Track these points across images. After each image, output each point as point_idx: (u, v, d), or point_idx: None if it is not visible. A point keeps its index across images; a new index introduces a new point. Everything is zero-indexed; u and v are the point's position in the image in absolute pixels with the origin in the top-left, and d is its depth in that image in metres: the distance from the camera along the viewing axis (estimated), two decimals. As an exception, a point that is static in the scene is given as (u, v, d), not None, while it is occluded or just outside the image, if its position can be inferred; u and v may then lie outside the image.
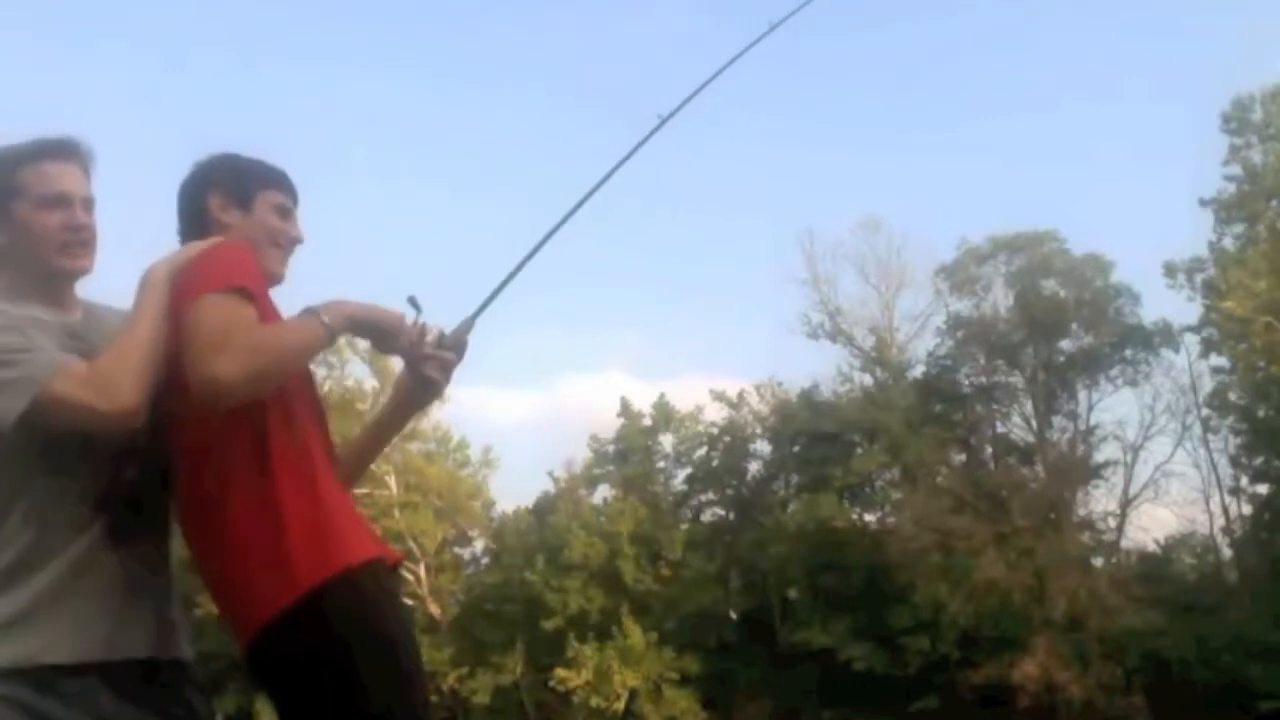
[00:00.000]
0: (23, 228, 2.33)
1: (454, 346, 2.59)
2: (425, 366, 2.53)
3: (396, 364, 2.71)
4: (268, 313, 2.27)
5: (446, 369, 2.56)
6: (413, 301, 2.48)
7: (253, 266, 2.27)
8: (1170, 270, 35.21)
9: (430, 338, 2.52)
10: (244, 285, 2.18)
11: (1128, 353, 36.65)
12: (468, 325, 2.66)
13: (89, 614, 2.22)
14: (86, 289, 2.51)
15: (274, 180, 2.51)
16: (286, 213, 2.50)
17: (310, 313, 2.25)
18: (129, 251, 2.58)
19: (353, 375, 43.15)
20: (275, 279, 2.47)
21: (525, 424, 63.46)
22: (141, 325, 2.22)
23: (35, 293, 2.36)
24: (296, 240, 2.51)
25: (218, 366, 2.04)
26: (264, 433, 2.20)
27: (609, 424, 43.11)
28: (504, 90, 70.33)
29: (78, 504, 2.26)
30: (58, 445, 2.20)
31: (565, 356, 76.33)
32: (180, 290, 2.23)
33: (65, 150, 2.40)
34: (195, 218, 2.45)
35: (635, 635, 36.40)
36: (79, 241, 2.37)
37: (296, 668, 2.17)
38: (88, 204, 2.41)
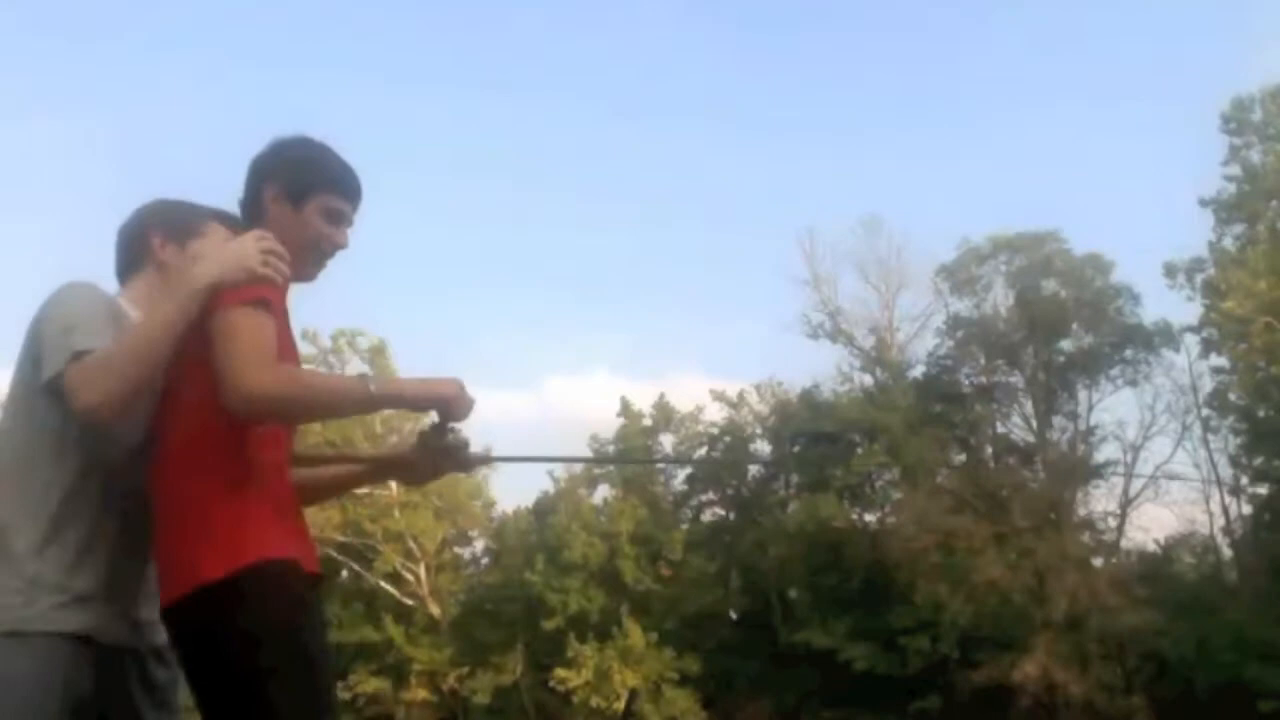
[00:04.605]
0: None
1: (463, 461, 2.59)
2: (442, 459, 2.56)
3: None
4: (280, 327, 2.33)
5: (454, 469, 2.61)
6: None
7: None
8: (1170, 270, 35.21)
9: (453, 438, 2.53)
10: (266, 298, 2.26)
11: (1128, 353, 36.65)
12: (485, 458, 2.74)
13: (126, 600, 2.40)
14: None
15: (333, 182, 2.50)
16: (337, 217, 2.50)
17: (363, 378, 2.36)
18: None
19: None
20: (305, 279, 2.52)
21: (515, 424, 63.50)
22: (147, 328, 2.29)
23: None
24: (338, 247, 2.52)
25: (255, 385, 2.13)
26: (233, 424, 2.23)
27: (598, 424, 43.20)
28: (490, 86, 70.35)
29: (121, 497, 2.38)
30: (108, 440, 2.33)
31: (551, 357, 76.36)
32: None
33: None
34: (251, 201, 2.50)
35: (635, 635, 36.41)
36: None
37: (197, 653, 2.23)
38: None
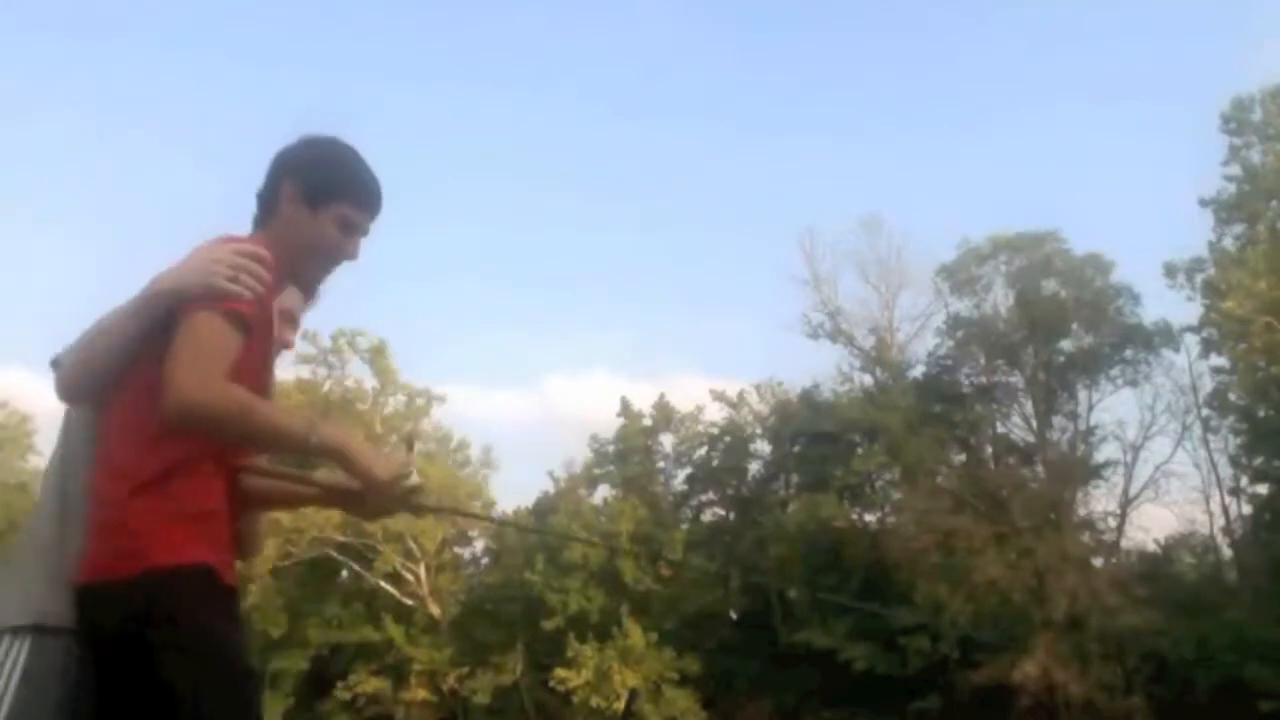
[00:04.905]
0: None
1: (412, 506, 2.54)
2: (387, 501, 2.49)
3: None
4: (254, 343, 2.26)
5: (402, 510, 2.55)
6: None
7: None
8: (1170, 270, 35.20)
9: (407, 481, 2.47)
10: (239, 311, 2.19)
11: (1128, 353, 36.63)
12: (434, 507, 2.65)
13: None
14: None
15: (354, 192, 2.44)
16: (350, 228, 2.43)
17: (308, 420, 2.27)
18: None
19: (352, 375, 43.21)
20: (310, 282, 2.51)
21: (515, 422, 63.67)
22: (104, 320, 2.32)
23: None
24: (347, 258, 2.47)
25: (194, 396, 2.09)
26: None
27: (597, 423, 43.26)
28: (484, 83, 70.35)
29: None
30: None
31: (551, 356, 76.59)
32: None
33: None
34: (269, 194, 2.43)
35: (635, 635, 36.40)
36: None
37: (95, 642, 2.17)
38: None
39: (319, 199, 2.39)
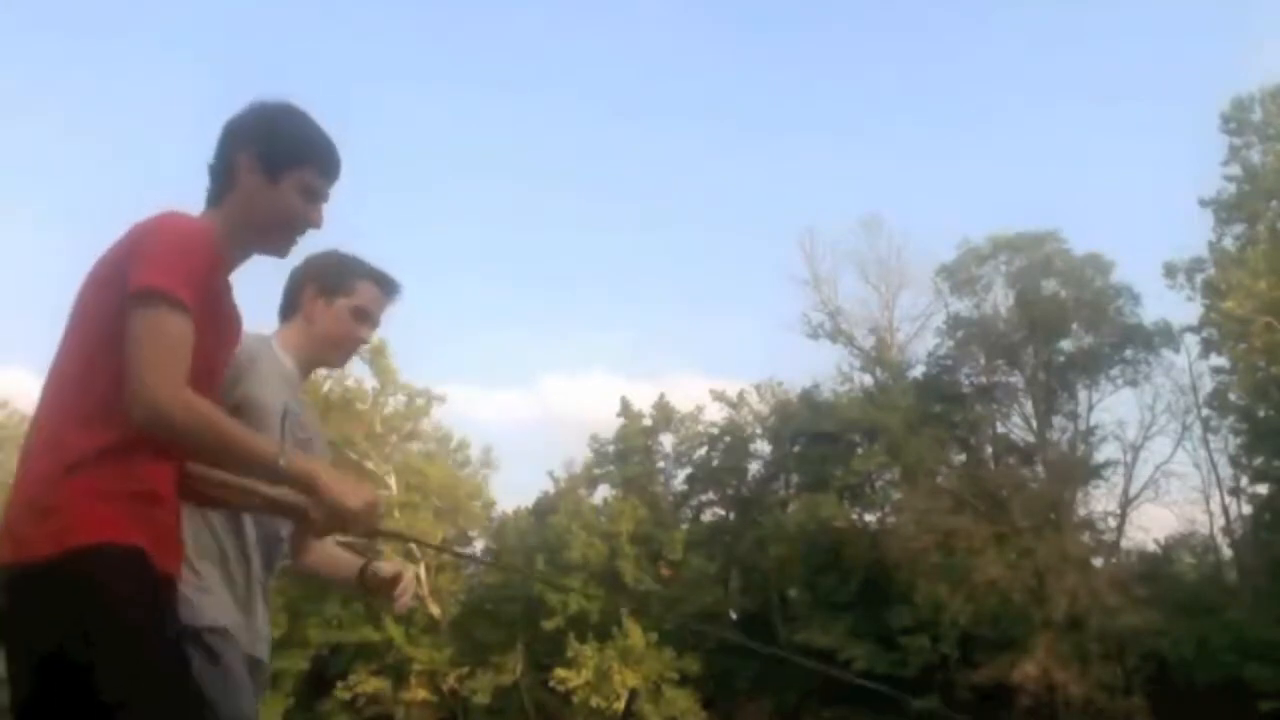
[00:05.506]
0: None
1: (363, 530, 2.46)
2: (341, 524, 2.41)
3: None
4: (199, 326, 2.13)
5: (351, 533, 2.48)
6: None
7: (198, 267, 2.14)
8: (1170, 270, 35.18)
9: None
10: (182, 300, 2.07)
11: (1128, 353, 36.63)
12: (387, 531, 2.69)
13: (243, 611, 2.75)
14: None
15: (316, 158, 2.36)
16: (312, 194, 2.35)
17: (276, 445, 2.21)
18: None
19: (352, 375, 43.16)
20: (277, 255, 2.43)
21: (514, 421, 63.66)
22: None
23: None
24: (311, 226, 2.39)
25: (164, 404, 2.00)
26: (109, 402, 2.09)
27: (596, 424, 43.25)
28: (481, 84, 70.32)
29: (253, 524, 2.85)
30: None
31: (550, 355, 76.61)
32: (127, 257, 2.12)
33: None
34: (223, 168, 2.33)
35: (635, 635, 36.39)
36: None
37: (16, 632, 2.05)
38: None
39: (279, 168, 2.30)
